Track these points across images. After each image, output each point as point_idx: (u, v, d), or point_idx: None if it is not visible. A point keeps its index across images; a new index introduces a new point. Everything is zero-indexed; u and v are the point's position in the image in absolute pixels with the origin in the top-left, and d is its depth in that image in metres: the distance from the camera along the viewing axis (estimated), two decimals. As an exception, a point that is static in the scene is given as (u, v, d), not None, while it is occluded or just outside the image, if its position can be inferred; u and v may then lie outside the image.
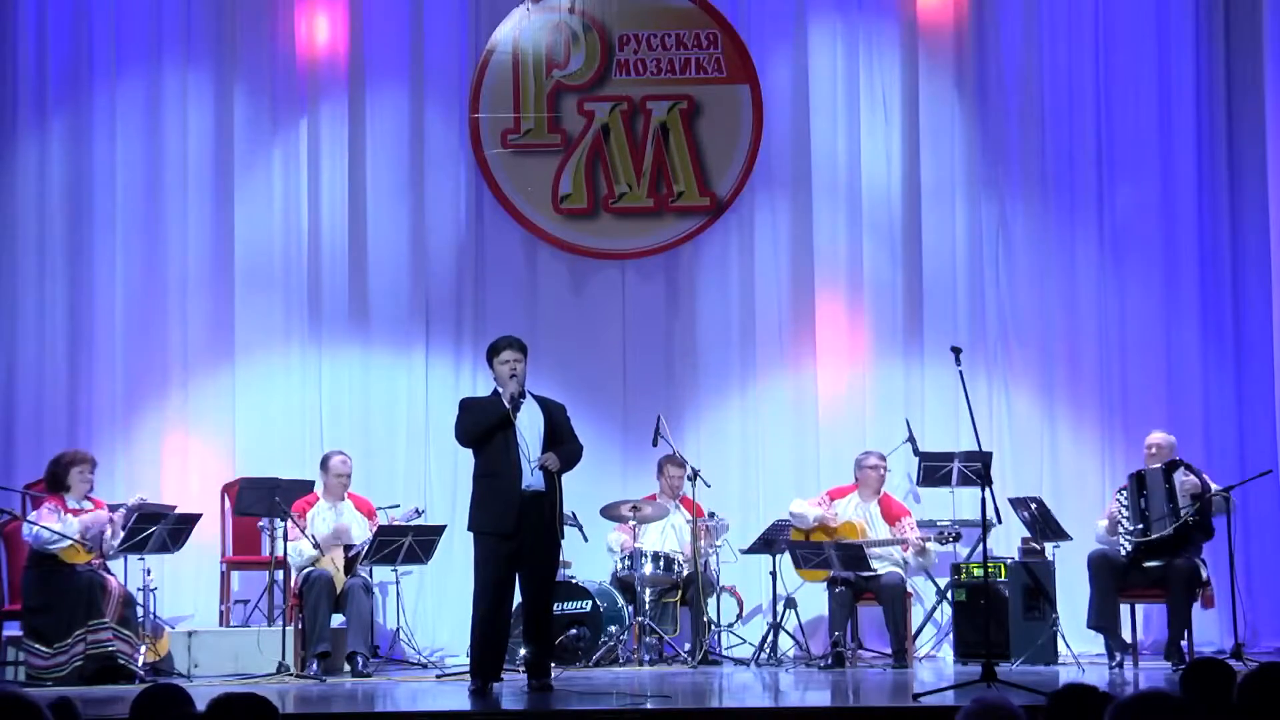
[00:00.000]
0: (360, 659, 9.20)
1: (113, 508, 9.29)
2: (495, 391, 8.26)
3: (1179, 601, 9.20)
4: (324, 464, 9.81)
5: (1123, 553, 9.40)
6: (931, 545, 9.82)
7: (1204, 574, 9.31)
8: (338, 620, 9.45)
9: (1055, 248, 10.76)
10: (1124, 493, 9.47)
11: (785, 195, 10.89)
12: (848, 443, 10.45)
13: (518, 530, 7.93)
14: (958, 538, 9.83)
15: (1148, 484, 9.34)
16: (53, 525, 8.97)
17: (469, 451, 8.26)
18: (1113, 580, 9.33)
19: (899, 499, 10.21)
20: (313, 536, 9.40)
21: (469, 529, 8.17)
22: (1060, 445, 10.65)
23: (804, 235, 10.84)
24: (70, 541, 8.99)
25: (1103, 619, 9.31)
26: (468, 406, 8.32)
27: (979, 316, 10.72)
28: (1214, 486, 9.32)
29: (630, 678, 8.84)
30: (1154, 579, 9.30)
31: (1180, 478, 9.25)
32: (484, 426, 8.08)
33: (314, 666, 9.06)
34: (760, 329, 10.81)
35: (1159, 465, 9.39)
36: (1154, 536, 9.25)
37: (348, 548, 9.61)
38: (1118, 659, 9.20)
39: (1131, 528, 9.35)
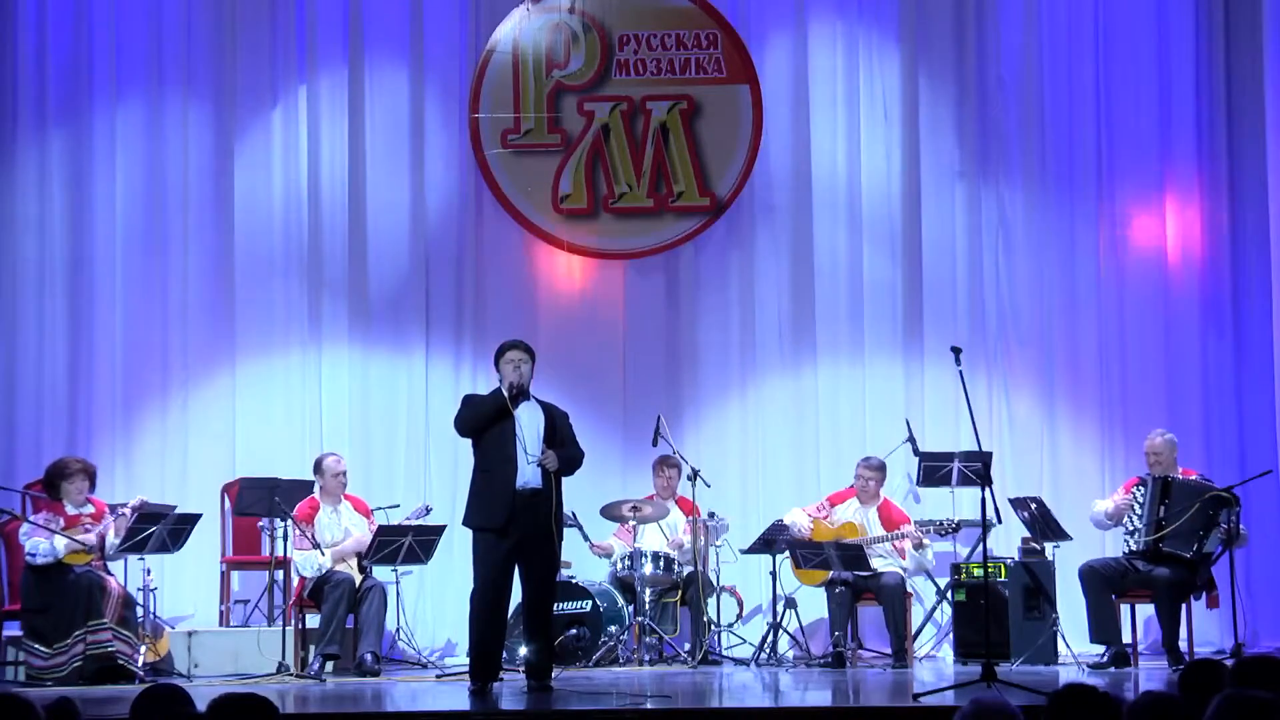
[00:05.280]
0: (370, 656, 9.18)
1: (113, 508, 9.29)
2: (498, 390, 8.26)
3: (1165, 607, 9.22)
4: (317, 467, 9.75)
5: (1124, 550, 9.41)
6: (928, 541, 9.83)
7: (1199, 580, 9.31)
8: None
9: (1055, 248, 10.76)
10: (1140, 490, 9.44)
11: (785, 195, 10.89)
12: (848, 443, 10.46)
13: (510, 526, 7.91)
14: (956, 529, 9.83)
15: (1173, 494, 9.31)
16: (42, 544, 8.95)
17: (469, 451, 8.26)
18: (1106, 590, 9.33)
19: (899, 499, 10.21)
20: (312, 537, 9.38)
21: (464, 523, 8.18)
22: (1060, 445, 10.66)
23: (804, 235, 10.84)
24: (60, 555, 8.98)
25: (1103, 631, 9.30)
26: (469, 400, 8.34)
27: (979, 316, 10.72)
28: (1242, 532, 9.33)
29: (630, 678, 8.84)
30: (1146, 581, 9.30)
31: (1226, 519, 9.17)
32: (482, 414, 8.08)
33: (315, 666, 9.06)
34: (760, 329, 10.81)
35: (1196, 478, 9.40)
36: (1167, 550, 9.22)
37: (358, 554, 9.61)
38: (1111, 656, 9.18)
39: (1139, 525, 9.33)
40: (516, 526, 7.93)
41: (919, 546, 9.81)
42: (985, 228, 10.77)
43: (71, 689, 8.19)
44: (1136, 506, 9.41)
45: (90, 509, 9.26)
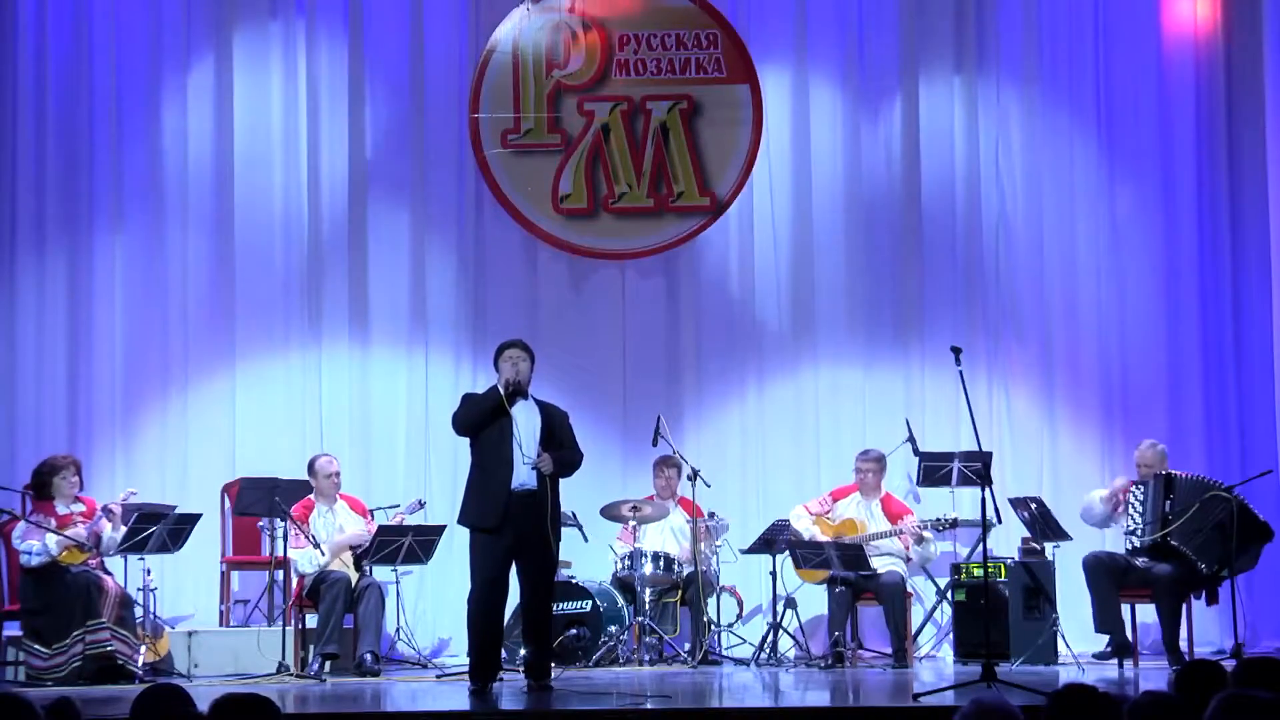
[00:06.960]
0: (369, 656, 9.18)
1: (104, 507, 9.28)
2: (494, 387, 8.25)
3: (1166, 606, 9.22)
4: (310, 468, 9.77)
5: (1127, 548, 9.42)
6: (929, 535, 9.83)
7: (1200, 579, 9.31)
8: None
9: (1056, 248, 10.77)
10: (1139, 489, 9.44)
11: (785, 195, 10.89)
12: (848, 443, 10.46)
13: (504, 526, 7.90)
14: (954, 524, 9.82)
15: (1177, 490, 9.29)
16: (35, 544, 8.96)
17: (469, 451, 8.25)
18: (1111, 582, 9.33)
19: (899, 499, 10.21)
20: (313, 537, 9.38)
21: (458, 522, 8.19)
22: (1060, 445, 10.66)
23: (804, 235, 10.84)
24: (55, 553, 8.98)
25: (1108, 622, 9.30)
26: (467, 399, 8.33)
27: (979, 316, 10.72)
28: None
29: (630, 678, 8.84)
30: (1146, 580, 9.31)
31: (1255, 552, 9.19)
32: (479, 412, 8.07)
33: (315, 666, 9.06)
34: (760, 329, 10.81)
35: (1207, 478, 9.43)
36: (1178, 544, 9.21)
37: (354, 547, 9.60)
38: (1114, 646, 9.19)
39: (1140, 524, 9.33)
40: (511, 527, 7.92)
41: (920, 541, 9.81)
42: (986, 228, 10.77)
43: (71, 689, 8.19)
44: (1136, 502, 9.41)
45: (81, 507, 9.25)
